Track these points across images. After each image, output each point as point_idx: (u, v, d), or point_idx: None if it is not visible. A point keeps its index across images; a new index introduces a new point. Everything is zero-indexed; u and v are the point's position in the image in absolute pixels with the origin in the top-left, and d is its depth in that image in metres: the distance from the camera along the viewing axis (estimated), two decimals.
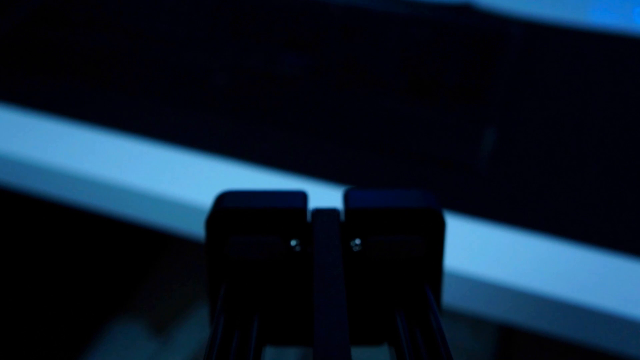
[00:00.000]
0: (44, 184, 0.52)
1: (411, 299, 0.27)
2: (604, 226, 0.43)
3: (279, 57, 0.56)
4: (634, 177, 0.46)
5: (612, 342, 0.41)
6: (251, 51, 0.57)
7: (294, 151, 0.49)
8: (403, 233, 0.26)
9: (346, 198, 0.26)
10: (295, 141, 0.50)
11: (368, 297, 0.27)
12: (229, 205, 0.26)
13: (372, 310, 0.27)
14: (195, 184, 0.48)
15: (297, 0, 0.61)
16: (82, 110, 0.54)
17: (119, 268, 1.03)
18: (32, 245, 0.86)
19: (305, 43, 0.57)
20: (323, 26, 0.58)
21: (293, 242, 0.26)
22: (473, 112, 0.50)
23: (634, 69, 0.54)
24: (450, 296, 0.43)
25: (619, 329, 0.40)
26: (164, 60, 0.57)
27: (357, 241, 0.26)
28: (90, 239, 0.96)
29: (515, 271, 0.41)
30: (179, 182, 0.48)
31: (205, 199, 0.46)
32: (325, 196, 0.45)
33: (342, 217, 0.26)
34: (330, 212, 0.26)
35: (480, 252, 0.42)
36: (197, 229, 0.47)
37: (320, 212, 0.26)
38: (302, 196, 0.26)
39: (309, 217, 0.26)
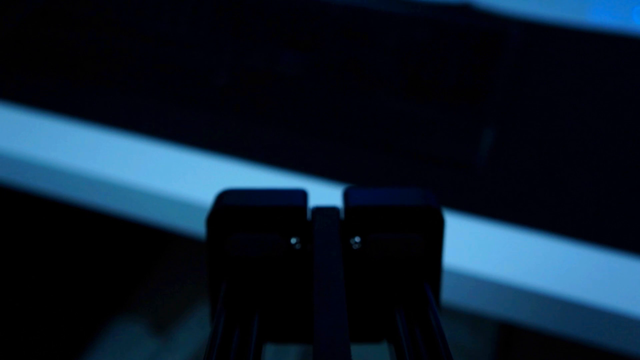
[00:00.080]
0: (45, 182, 0.52)
1: (410, 296, 0.27)
2: (602, 224, 0.43)
3: (280, 56, 0.56)
4: (632, 175, 0.46)
5: (611, 339, 0.41)
6: (252, 50, 0.57)
7: (294, 149, 0.49)
8: (402, 231, 0.26)
9: (346, 196, 0.27)
10: (295, 140, 0.50)
11: (367, 294, 0.27)
12: (229, 203, 0.26)
13: (371, 308, 0.27)
14: (196, 182, 0.48)
15: (297, 0, 0.61)
16: (83, 109, 0.54)
17: (120, 267, 1.04)
18: (33, 243, 0.86)
19: (305, 42, 0.57)
20: (323, 26, 0.58)
21: (293, 240, 0.26)
22: (472, 112, 0.50)
23: (632, 69, 0.54)
24: (449, 294, 0.43)
25: (618, 327, 0.40)
26: (166, 60, 0.57)
27: (357, 239, 0.26)
28: (91, 238, 0.96)
29: (514, 269, 0.41)
30: (180, 180, 0.48)
31: (206, 197, 0.46)
32: (325, 194, 0.46)
33: (342, 215, 0.26)
34: (330, 210, 0.26)
35: (479, 250, 0.42)
36: (198, 226, 0.47)
37: (320, 210, 0.26)
38: (302, 194, 0.27)
39: (309, 215, 0.26)
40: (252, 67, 0.55)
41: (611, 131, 0.49)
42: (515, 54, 0.55)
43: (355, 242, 0.26)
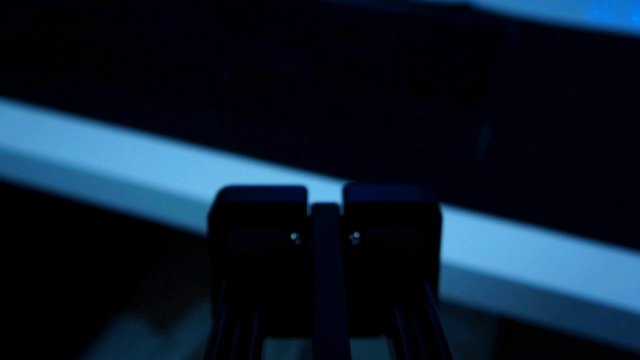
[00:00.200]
0: (48, 178, 0.53)
1: (409, 291, 0.27)
2: (600, 220, 0.43)
3: (280, 55, 0.56)
4: (628, 171, 0.46)
5: (610, 334, 0.41)
6: (253, 49, 0.57)
7: (294, 147, 0.50)
8: (401, 227, 0.26)
9: (345, 192, 0.27)
10: (296, 137, 0.50)
11: (367, 289, 0.27)
12: (230, 200, 0.26)
13: (370, 303, 0.28)
14: (198, 178, 0.48)
15: None
16: (86, 107, 0.54)
17: (122, 265, 1.04)
18: (34, 239, 0.86)
19: (305, 41, 0.57)
20: (323, 25, 0.59)
21: (293, 236, 0.26)
22: (470, 109, 0.50)
23: (630, 68, 0.55)
24: (448, 289, 0.43)
25: (616, 321, 0.40)
26: (168, 58, 0.57)
27: (356, 235, 0.26)
28: (93, 235, 0.96)
29: (512, 264, 0.41)
30: (182, 177, 0.48)
31: (208, 193, 0.47)
32: (324, 191, 0.46)
33: (342, 211, 0.27)
34: (330, 207, 0.27)
35: (477, 245, 0.43)
36: (199, 223, 0.48)
37: (319, 207, 0.27)
38: (302, 191, 0.27)
39: (309, 211, 0.26)
40: (254, 66, 0.56)
41: (609, 129, 0.50)
42: (513, 53, 0.55)
43: (355, 238, 0.26)
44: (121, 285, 1.03)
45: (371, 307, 0.28)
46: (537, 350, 0.84)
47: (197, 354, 0.93)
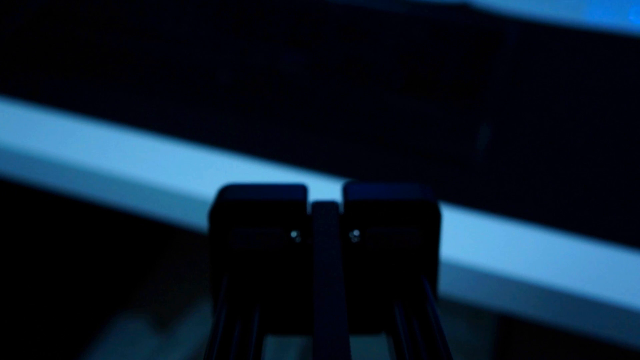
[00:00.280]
0: (50, 176, 0.53)
1: (408, 289, 0.27)
2: (598, 217, 0.43)
3: (281, 54, 0.56)
4: (626, 170, 0.46)
5: (609, 331, 0.42)
6: (253, 49, 0.57)
7: (294, 145, 0.50)
8: (400, 225, 0.26)
9: (345, 191, 0.27)
10: (296, 136, 0.50)
11: (366, 287, 0.27)
12: (231, 198, 0.26)
13: (370, 300, 0.28)
14: (199, 177, 0.48)
15: None
16: (88, 106, 0.54)
17: (123, 263, 1.04)
18: (35, 237, 0.86)
19: (306, 41, 0.58)
20: (323, 25, 0.59)
21: (293, 234, 0.26)
22: (469, 108, 0.51)
23: (629, 68, 0.55)
24: (448, 286, 0.43)
25: (616, 319, 0.40)
26: (169, 58, 0.58)
27: (356, 232, 0.26)
28: (94, 233, 0.96)
29: (510, 261, 0.42)
30: (183, 175, 0.48)
31: (209, 191, 0.47)
32: (324, 189, 0.46)
33: (341, 209, 0.27)
34: (330, 205, 0.27)
35: (476, 243, 0.43)
36: (200, 221, 0.48)
37: (319, 205, 0.27)
38: (302, 189, 0.27)
39: (309, 209, 0.27)
40: (254, 65, 0.56)
41: (607, 127, 0.50)
42: (512, 52, 0.56)
43: (354, 236, 0.26)
44: (122, 284, 1.03)
45: (371, 304, 0.28)
46: (536, 348, 0.85)
47: (197, 352, 0.93)
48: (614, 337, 0.42)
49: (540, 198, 0.45)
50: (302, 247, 0.26)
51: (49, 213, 0.86)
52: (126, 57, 0.58)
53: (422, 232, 0.26)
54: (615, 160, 0.47)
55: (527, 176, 0.46)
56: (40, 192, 0.60)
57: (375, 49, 0.56)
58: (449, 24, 0.58)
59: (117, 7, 0.63)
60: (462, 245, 0.43)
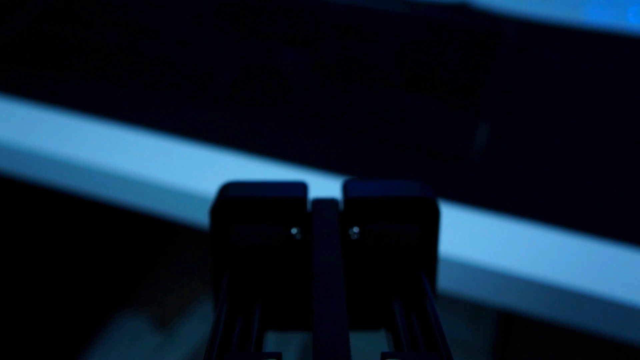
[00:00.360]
0: (51, 174, 0.53)
1: (407, 285, 0.27)
2: (596, 215, 0.44)
3: (281, 53, 0.57)
4: (625, 168, 0.46)
5: (609, 327, 0.42)
6: (253, 48, 0.57)
7: (294, 143, 0.50)
8: (399, 222, 0.26)
9: (345, 188, 0.27)
10: (296, 134, 0.51)
11: (366, 283, 0.28)
12: (232, 195, 0.26)
13: (370, 297, 0.28)
14: (200, 174, 0.48)
15: None
16: (90, 104, 0.55)
17: (124, 262, 1.04)
18: (36, 235, 0.86)
19: (305, 40, 0.58)
20: (323, 24, 0.59)
21: (294, 231, 0.27)
22: (468, 107, 0.51)
23: (627, 68, 0.55)
24: (447, 282, 0.44)
25: (615, 315, 0.40)
26: (170, 56, 0.58)
27: (356, 229, 0.27)
28: (95, 231, 0.96)
29: (508, 258, 0.42)
30: (184, 172, 0.49)
31: (210, 189, 0.47)
32: (324, 187, 0.46)
33: (341, 206, 0.27)
34: (330, 202, 0.27)
35: (474, 240, 0.43)
36: (201, 218, 0.48)
37: (320, 202, 0.27)
38: (302, 186, 0.27)
39: (309, 206, 0.27)
40: (254, 64, 0.56)
41: (606, 126, 0.50)
42: (511, 51, 0.56)
43: (354, 233, 0.27)
44: (123, 282, 1.03)
45: (370, 301, 0.28)
46: (536, 345, 0.85)
47: (198, 351, 0.94)
48: (614, 333, 0.42)
49: (539, 195, 0.45)
50: (302, 243, 0.27)
51: (49, 210, 0.86)
52: (127, 56, 0.59)
53: (421, 229, 0.27)
54: (613, 159, 0.47)
55: (525, 174, 0.47)
56: (41, 189, 0.60)
57: (375, 48, 0.56)
58: (448, 24, 0.58)
59: (117, 7, 0.64)
60: (461, 242, 0.43)
